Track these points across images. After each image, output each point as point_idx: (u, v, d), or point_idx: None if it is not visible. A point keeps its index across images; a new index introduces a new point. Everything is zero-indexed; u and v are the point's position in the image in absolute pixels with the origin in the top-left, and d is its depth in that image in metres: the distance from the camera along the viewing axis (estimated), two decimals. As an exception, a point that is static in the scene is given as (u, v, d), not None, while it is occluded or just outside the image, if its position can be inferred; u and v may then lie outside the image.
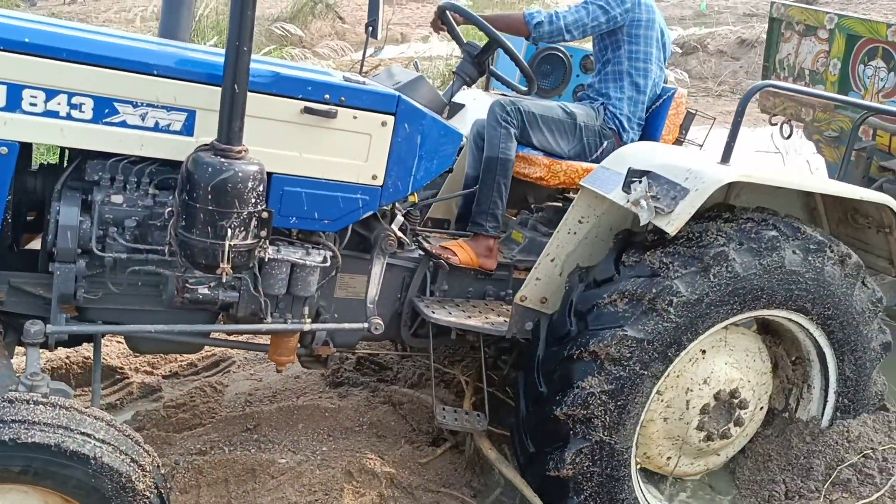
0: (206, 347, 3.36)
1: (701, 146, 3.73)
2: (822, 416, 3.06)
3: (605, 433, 2.64)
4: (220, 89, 2.10)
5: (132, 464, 2.04)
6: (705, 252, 2.61)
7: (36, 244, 2.59)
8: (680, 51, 13.63)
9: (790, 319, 2.88)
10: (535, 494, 2.78)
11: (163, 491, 2.13)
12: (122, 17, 12.27)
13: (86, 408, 2.08)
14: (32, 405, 1.97)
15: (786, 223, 2.76)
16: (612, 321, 2.59)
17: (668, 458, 3.01)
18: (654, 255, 2.64)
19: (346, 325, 2.79)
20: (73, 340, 2.70)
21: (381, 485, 2.94)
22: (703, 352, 2.86)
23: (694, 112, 3.54)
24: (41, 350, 2.37)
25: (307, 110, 2.44)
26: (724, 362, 2.90)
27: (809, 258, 2.73)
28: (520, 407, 2.86)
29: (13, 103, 2.14)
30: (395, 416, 3.48)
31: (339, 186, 2.58)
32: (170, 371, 3.84)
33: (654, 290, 2.57)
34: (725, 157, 2.67)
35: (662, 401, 2.87)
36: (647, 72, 3.42)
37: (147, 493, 2.06)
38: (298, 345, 2.83)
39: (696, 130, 3.77)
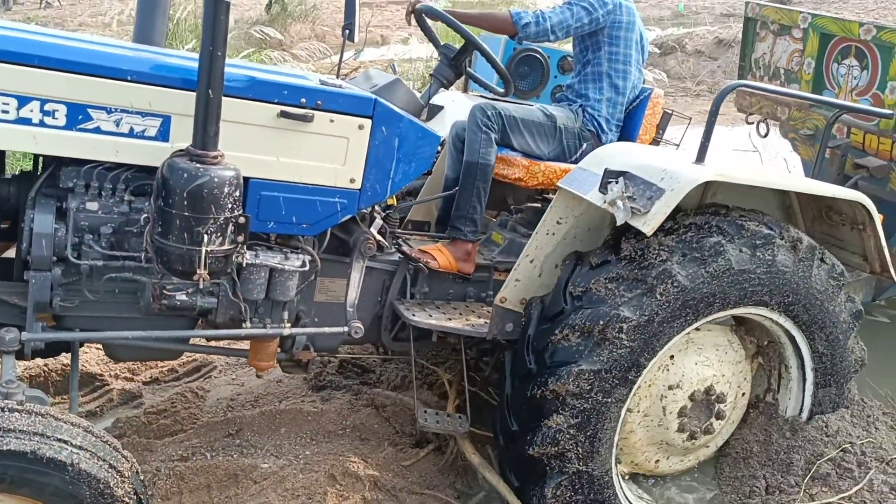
0: (187, 353, 3.34)
1: (678, 146, 3.76)
2: (804, 393, 3.07)
3: (581, 464, 2.67)
4: (194, 94, 2.09)
5: (110, 470, 2.02)
6: (648, 272, 2.61)
7: (11, 253, 2.56)
8: (658, 51, 13.72)
9: (751, 313, 2.89)
10: (518, 500, 2.79)
11: (142, 497, 2.11)
12: (98, 21, 12.17)
13: (62, 415, 2.06)
14: (7, 413, 1.95)
15: (729, 222, 2.74)
16: (568, 357, 2.61)
17: (657, 461, 3.04)
18: (599, 283, 2.64)
19: (326, 330, 2.77)
20: (51, 349, 2.67)
21: (365, 488, 2.94)
22: (672, 357, 2.88)
23: (670, 112, 3.57)
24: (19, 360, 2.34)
25: (283, 114, 2.43)
26: (695, 362, 2.93)
27: (758, 253, 2.73)
28: (498, 442, 2.89)
29: None
30: (378, 418, 3.48)
31: (317, 190, 2.57)
32: (150, 377, 3.81)
33: (602, 321, 2.58)
34: (700, 157, 2.69)
35: (639, 411, 2.90)
36: (626, 73, 3.44)
37: (126, 499, 2.04)
38: (279, 350, 2.82)
39: (673, 130, 3.80)
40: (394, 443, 3.32)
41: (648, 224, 2.53)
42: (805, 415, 3.09)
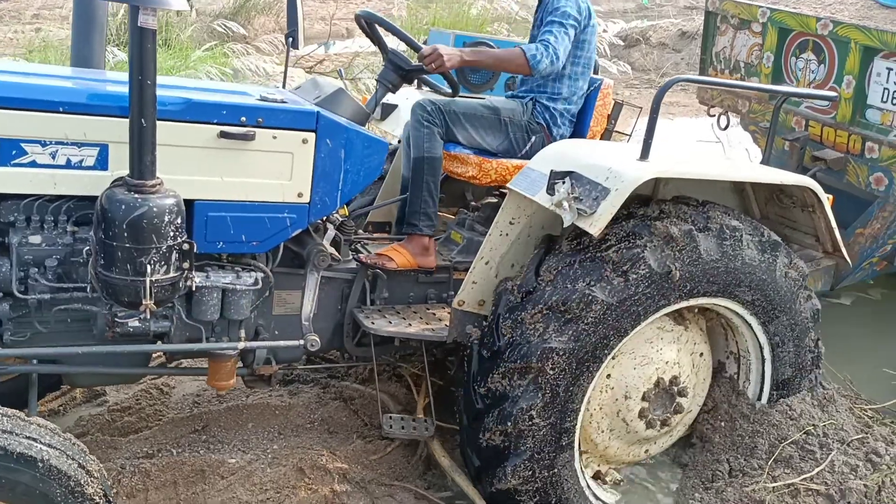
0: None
1: (629, 136, 3.76)
2: (755, 333, 3.05)
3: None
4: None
5: (80, 469, 2.03)
6: (529, 358, 2.60)
7: None
8: (623, 43, 13.74)
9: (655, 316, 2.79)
10: (485, 502, 2.83)
11: (110, 497, 2.12)
12: (55, 14, 11.92)
13: (30, 416, 2.07)
14: None
15: (592, 258, 2.65)
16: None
17: (646, 451, 3.11)
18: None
19: (282, 343, 2.76)
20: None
21: (334, 481, 2.95)
22: (609, 376, 2.90)
23: (621, 102, 3.56)
24: None
25: (223, 135, 2.41)
26: (633, 367, 2.93)
27: (630, 276, 2.61)
28: (469, 473, 2.92)
29: None
30: (346, 411, 3.49)
31: (265, 207, 2.56)
32: (114, 374, 3.77)
33: (511, 421, 2.62)
34: (644, 154, 2.69)
35: (602, 431, 2.95)
36: (584, 74, 3.45)
37: (96, 498, 2.05)
38: (241, 365, 2.81)
39: (624, 120, 3.80)
40: (362, 435, 3.33)
41: (595, 225, 2.53)
42: (767, 350, 3.07)
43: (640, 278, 2.62)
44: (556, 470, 2.72)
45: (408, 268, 3.13)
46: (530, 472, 2.68)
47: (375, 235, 3.57)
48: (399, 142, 3.68)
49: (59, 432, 2.09)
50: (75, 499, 2.01)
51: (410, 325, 3.01)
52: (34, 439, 1.98)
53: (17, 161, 2.21)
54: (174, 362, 2.91)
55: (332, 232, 2.93)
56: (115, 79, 2.66)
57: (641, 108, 3.69)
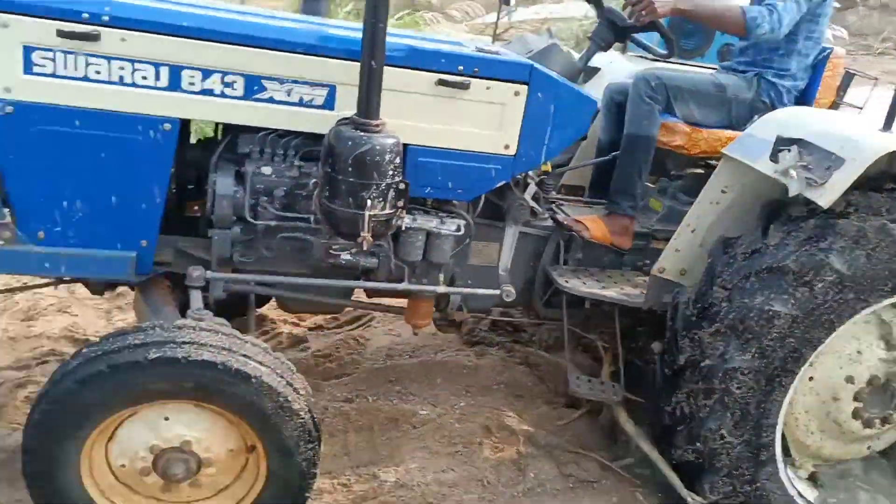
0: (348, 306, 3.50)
1: (860, 109, 3.44)
2: None
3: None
4: (357, 64, 2.16)
5: (287, 386, 2.19)
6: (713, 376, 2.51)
7: (197, 211, 2.78)
8: (838, 5, 12.48)
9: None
10: (673, 471, 2.76)
11: (314, 413, 2.26)
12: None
13: (245, 336, 2.25)
14: (199, 330, 2.16)
15: (769, 269, 2.46)
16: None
17: (868, 447, 2.91)
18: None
19: (479, 291, 2.83)
20: (230, 306, 2.88)
21: (520, 442, 3.02)
22: (811, 378, 2.69)
23: (853, 72, 3.27)
24: None
25: (441, 82, 2.47)
26: (838, 367, 2.69)
27: (815, 285, 2.42)
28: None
29: (174, 83, 2.30)
30: (531, 377, 3.54)
31: (473, 157, 2.60)
32: (314, 324, 4.04)
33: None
34: (888, 124, 2.46)
35: (811, 433, 2.78)
36: (814, 49, 3.23)
37: (302, 414, 2.20)
38: (434, 309, 2.91)
39: (855, 92, 3.48)
40: (547, 401, 3.37)
41: (825, 196, 2.36)
42: None
43: (827, 286, 2.42)
44: (758, 483, 2.63)
45: (601, 242, 3.09)
46: (731, 488, 2.61)
47: (571, 198, 3.54)
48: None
49: (270, 351, 2.25)
50: (284, 412, 2.16)
51: (605, 287, 2.97)
52: (248, 357, 2.15)
53: (257, 96, 2.38)
54: (374, 299, 3.07)
55: (532, 187, 2.94)
56: (343, 25, 2.79)
57: (877, 78, 3.37)
